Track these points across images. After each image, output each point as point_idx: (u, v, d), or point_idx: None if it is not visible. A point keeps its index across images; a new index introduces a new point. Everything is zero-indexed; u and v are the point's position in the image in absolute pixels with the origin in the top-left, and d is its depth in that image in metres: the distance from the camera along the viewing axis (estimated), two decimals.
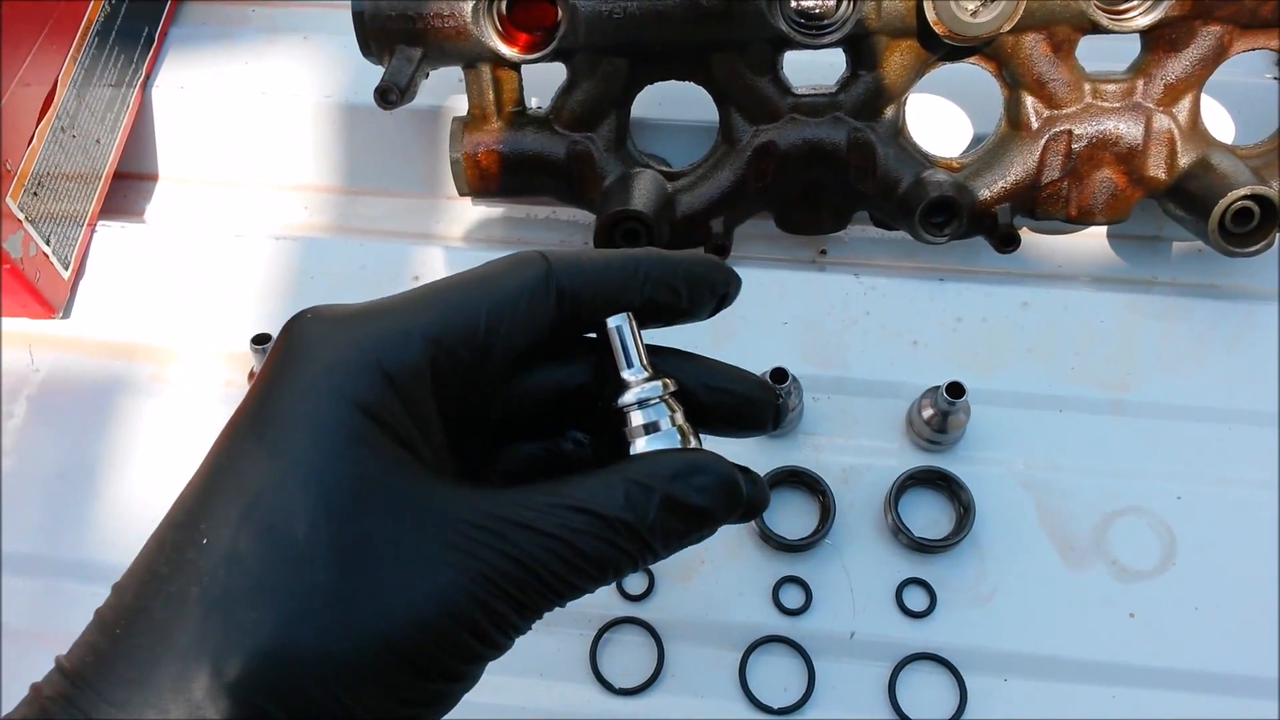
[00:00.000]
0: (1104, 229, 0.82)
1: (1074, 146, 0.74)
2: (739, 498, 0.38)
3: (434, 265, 0.78)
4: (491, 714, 0.64)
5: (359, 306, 0.37)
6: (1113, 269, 0.81)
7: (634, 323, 0.39)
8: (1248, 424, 0.71)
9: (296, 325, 0.36)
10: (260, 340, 0.69)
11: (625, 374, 0.39)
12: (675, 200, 0.77)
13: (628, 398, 0.38)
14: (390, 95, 0.74)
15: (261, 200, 0.88)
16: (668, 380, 0.39)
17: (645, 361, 0.39)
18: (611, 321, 0.38)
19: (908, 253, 0.82)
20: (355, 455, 0.34)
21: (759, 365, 0.70)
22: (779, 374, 0.68)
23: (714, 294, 0.42)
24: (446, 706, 0.37)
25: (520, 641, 0.56)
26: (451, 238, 0.86)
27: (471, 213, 0.87)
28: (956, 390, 0.66)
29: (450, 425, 0.37)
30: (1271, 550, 0.67)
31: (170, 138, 0.89)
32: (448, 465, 0.37)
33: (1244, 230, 0.71)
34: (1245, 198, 0.69)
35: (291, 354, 0.35)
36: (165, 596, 0.33)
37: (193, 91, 0.88)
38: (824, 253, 0.84)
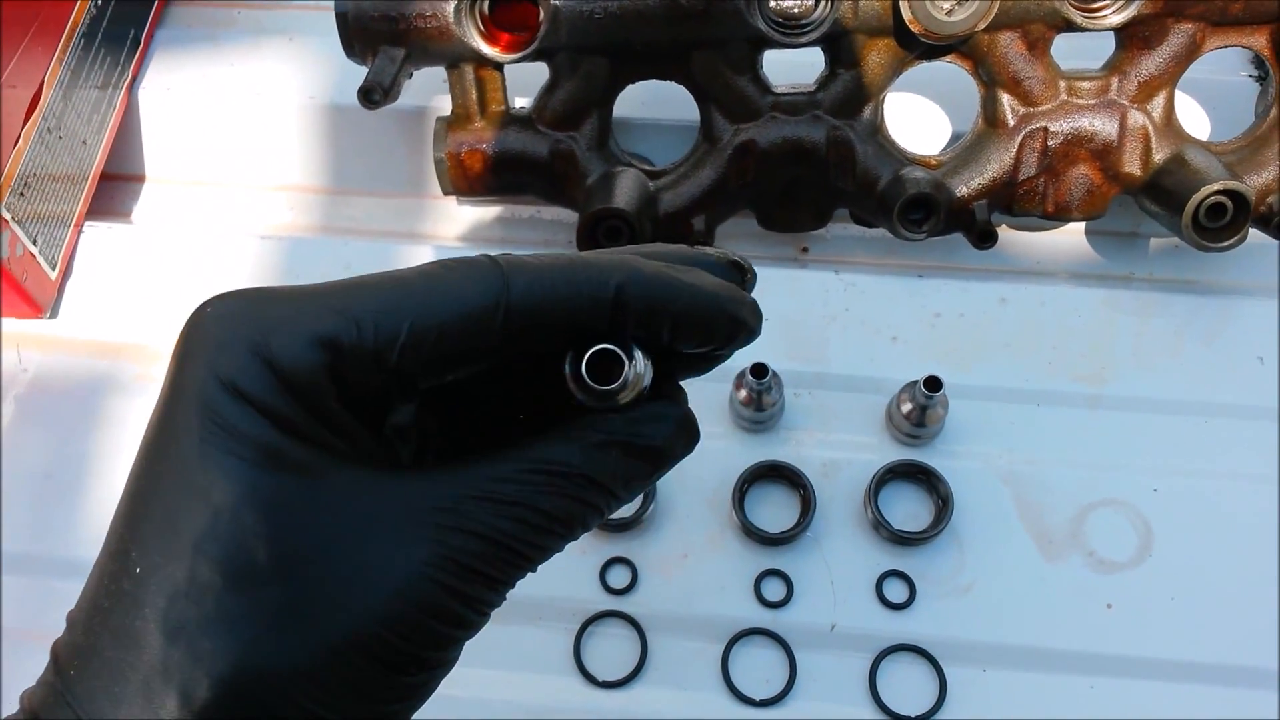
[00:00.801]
0: (1082, 226, 0.83)
1: (1050, 144, 0.75)
2: (696, 432, 0.37)
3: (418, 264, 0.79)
4: (475, 709, 0.65)
5: (261, 294, 0.34)
6: (1090, 265, 0.82)
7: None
8: (1224, 417, 0.72)
9: (194, 323, 0.34)
10: None
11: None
12: (657, 198, 0.78)
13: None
14: (374, 95, 0.74)
15: (247, 201, 0.89)
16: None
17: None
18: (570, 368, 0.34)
19: (888, 250, 0.83)
20: (277, 463, 0.31)
21: (740, 361, 0.71)
22: (759, 369, 0.68)
23: (717, 337, 0.36)
24: (426, 694, 0.36)
25: (504, 635, 0.56)
26: (437, 237, 0.86)
27: (457, 212, 0.87)
28: (934, 384, 0.67)
29: (377, 412, 0.34)
30: (1247, 541, 0.68)
31: (157, 139, 0.89)
32: (384, 453, 0.35)
33: (1217, 225, 0.72)
34: (1218, 193, 0.70)
35: (188, 357, 0.33)
36: (112, 632, 0.31)
37: (179, 93, 0.89)
38: (806, 250, 0.84)
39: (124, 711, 0.30)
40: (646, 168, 0.81)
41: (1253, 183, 0.74)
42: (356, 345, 0.32)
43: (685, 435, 0.37)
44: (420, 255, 0.80)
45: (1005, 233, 0.82)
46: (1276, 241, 0.76)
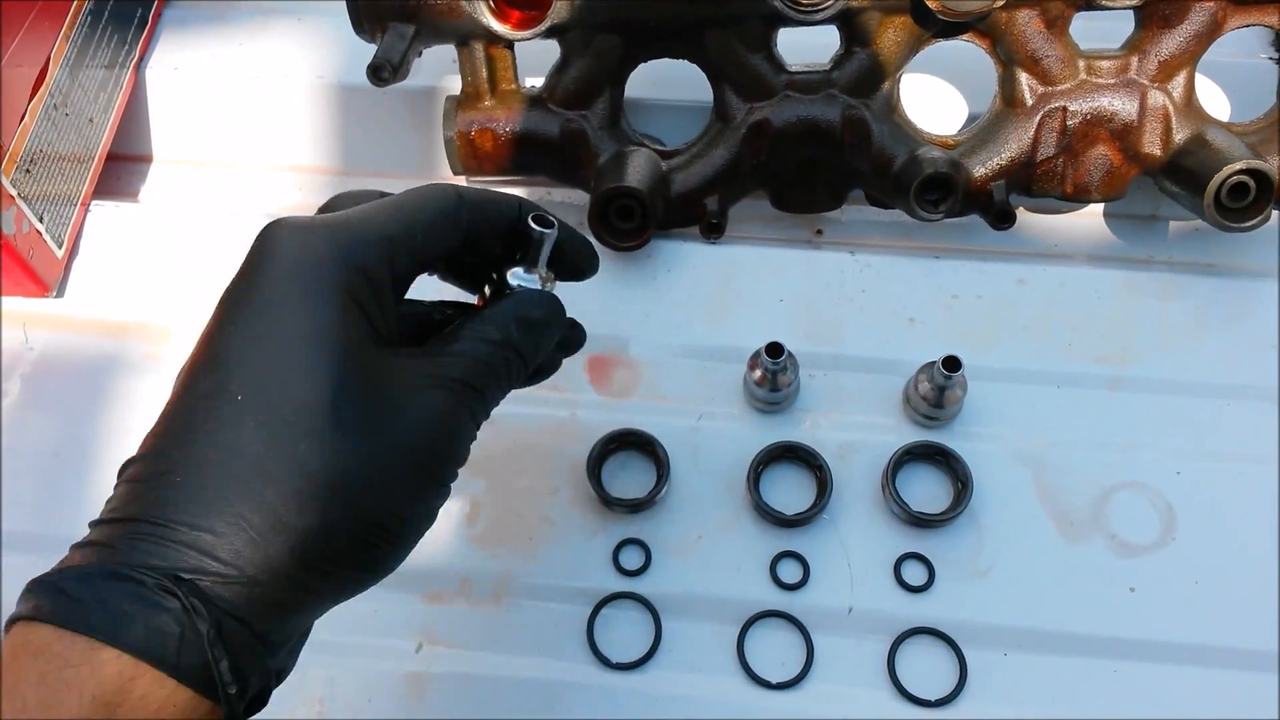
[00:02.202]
0: (1100, 208, 0.82)
1: (1069, 123, 0.74)
2: (562, 311, 0.52)
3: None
4: (489, 690, 0.64)
5: (325, 217, 0.45)
6: (1109, 248, 0.81)
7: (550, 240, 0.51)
8: (1246, 399, 0.71)
9: (276, 232, 0.44)
10: None
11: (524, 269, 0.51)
12: (670, 179, 0.77)
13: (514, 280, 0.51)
14: (383, 72, 0.73)
15: (256, 182, 0.88)
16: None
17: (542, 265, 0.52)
18: (539, 228, 0.51)
19: (904, 232, 0.82)
20: (350, 323, 0.43)
21: (755, 342, 0.70)
22: (774, 348, 0.67)
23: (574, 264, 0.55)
24: (433, 517, 0.47)
25: (518, 617, 0.64)
26: None
27: None
28: (953, 364, 0.66)
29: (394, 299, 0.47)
30: (1270, 524, 0.67)
31: (164, 119, 0.88)
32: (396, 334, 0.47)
33: (1240, 205, 0.71)
34: (1240, 172, 0.69)
35: (277, 252, 0.43)
36: (211, 445, 0.40)
37: (186, 73, 0.88)
38: (820, 232, 0.83)
39: (224, 505, 0.39)
40: (659, 148, 0.80)
41: (1275, 163, 0.73)
42: (402, 247, 0.46)
43: (554, 309, 0.52)
44: None
45: (1022, 215, 0.81)
46: None
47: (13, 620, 0.39)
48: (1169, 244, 0.81)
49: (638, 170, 0.75)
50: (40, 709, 0.36)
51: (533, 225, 0.50)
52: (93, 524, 0.41)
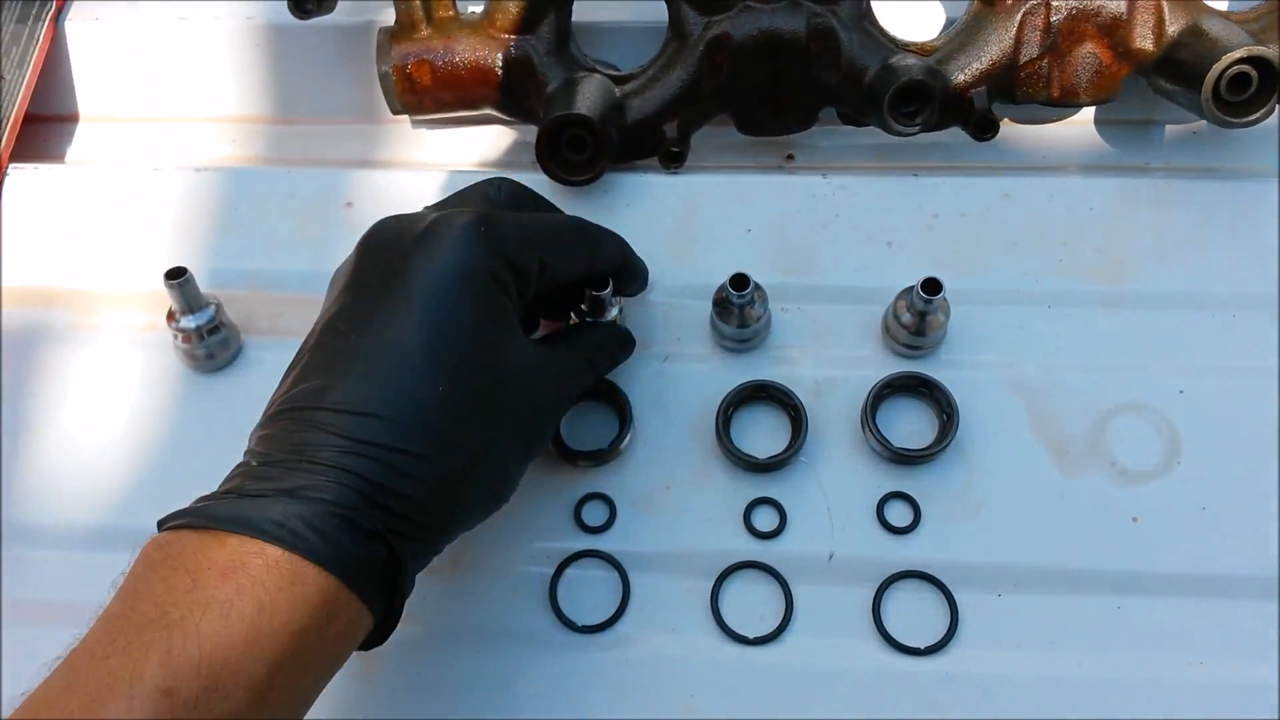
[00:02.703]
0: (1091, 115, 0.76)
1: (1052, 20, 0.68)
2: (630, 341, 0.66)
3: (365, 190, 0.73)
4: (447, 659, 0.60)
5: (491, 214, 0.55)
6: (1102, 156, 0.75)
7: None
8: (1253, 309, 0.66)
9: (448, 225, 0.53)
10: (174, 275, 0.64)
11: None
12: (625, 105, 0.71)
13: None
14: (306, 4, 0.68)
15: (188, 135, 0.82)
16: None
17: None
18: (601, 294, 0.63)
19: (882, 153, 0.76)
20: (499, 299, 0.54)
21: (721, 275, 0.65)
22: (739, 280, 0.62)
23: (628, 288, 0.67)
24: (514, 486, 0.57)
25: (476, 583, 0.63)
26: (392, 162, 0.80)
27: (412, 135, 0.81)
28: (932, 287, 0.61)
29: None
30: None
31: (88, 74, 0.83)
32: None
33: (1241, 99, 0.65)
34: (1241, 60, 0.63)
35: (447, 243, 0.53)
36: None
37: (109, 24, 0.82)
38: (791, 158, 0.78)
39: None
40: (613, 73, 0.74)
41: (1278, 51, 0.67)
42: (546, 265, 0.57)
43: (624, 341, 0.66)
44: (367, 180, 0.73)
45: (1008, 125, 0.75)
46: None
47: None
48: (1165, 150, 0.75)
49: (588, 97, 0.69)
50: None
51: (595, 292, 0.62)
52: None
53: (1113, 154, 0.75)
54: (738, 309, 0.64)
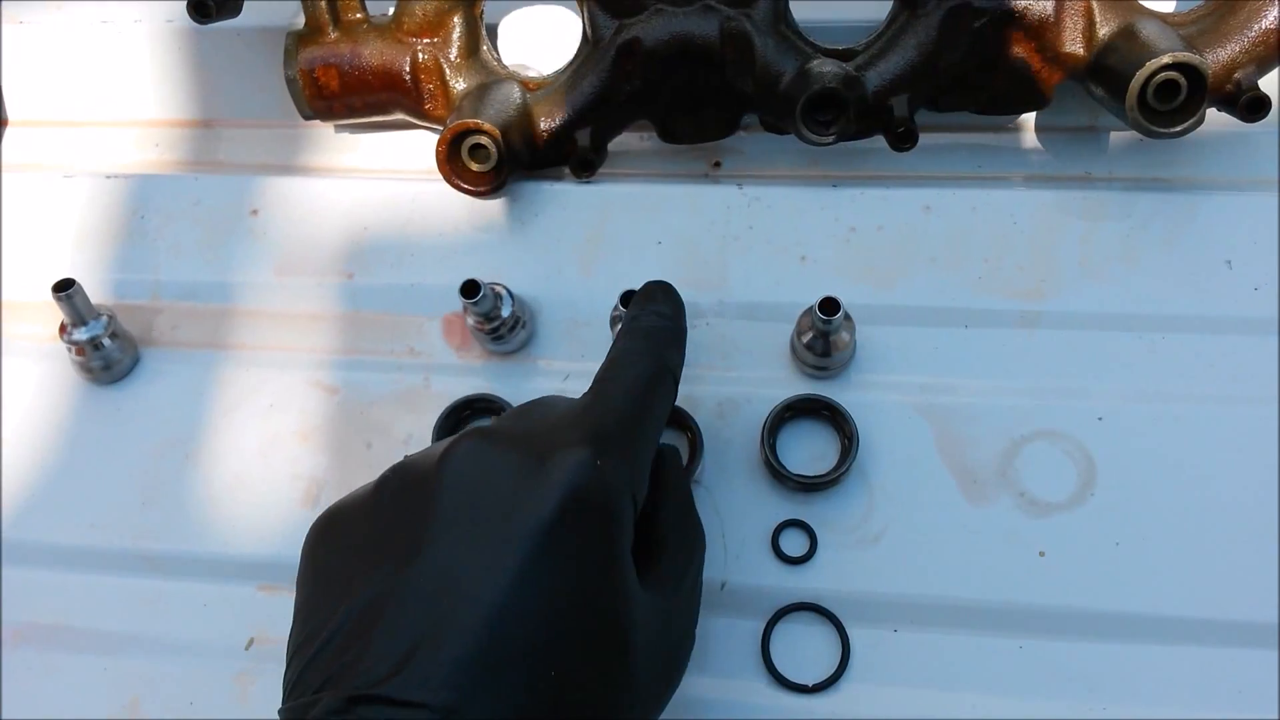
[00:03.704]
0: (1032, 122, 0.73)
1: (975, 24, 0.64)
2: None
3: (272, 197, 0.71)
4: None
5: (614, 450, 0.45)
6: (1040, 165, 0.71)
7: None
8: (1182, 331, 0.62)
9: (589, 481, 0.43)
10: (61, 287, 0.63)
11: None
12: (532, 113, 0.69)
13: None
14: (205, 8, 0.66)
15: (113, 139, 0.81)
16: None
17: None
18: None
19: (811, 161, 0.73)
20: (618, 546, 0.44)
21: (628, 288, 0.62)
22: (629, 296, 0.60)
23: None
24: None
25: None
26: (315, 167, 0.78)
27: (338, 139, 0.79)
28: (830, 307, 0.58)
29: None
30: (1206, 475, 0.59)
31: (14, 78, 0.82)
32: None
33: (1171, 107, 0.61)
34: (1167, 67, 0.59)
35: (579, 499, 0.43)
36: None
37: (35, 26, 0.81)
38: (718, 165, 0.75)
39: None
40: (530, 77, 0.72)
41: (1216, 57, 0.63)
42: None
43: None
44: (275, 187, 0.72)
45: (945, 135, 0.72)
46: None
47: None
48: (1110, 158, 0.71)
49: (494, 105, 0.67)
50: None
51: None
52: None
53: (1053, 163, 0.72)
54: None
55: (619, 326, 0.62)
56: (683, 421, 0.61)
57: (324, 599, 0.42)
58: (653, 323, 0.53)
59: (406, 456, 0.47)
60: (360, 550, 0.43)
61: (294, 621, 0.44)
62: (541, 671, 0.39)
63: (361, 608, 0.40)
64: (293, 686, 0.41)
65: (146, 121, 0.81)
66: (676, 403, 0.61)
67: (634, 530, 0.45)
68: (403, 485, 0.44)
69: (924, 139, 0.72)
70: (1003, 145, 0.73)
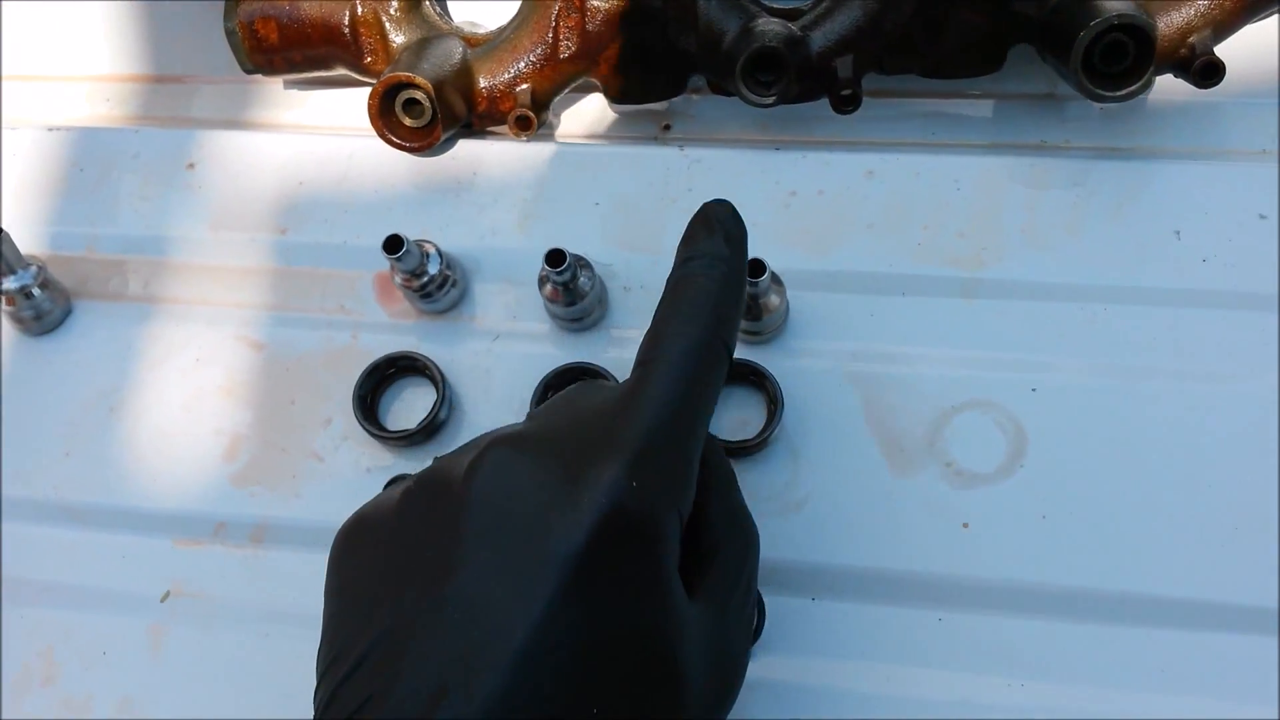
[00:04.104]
0: (991, 89, 0.71)
1: None
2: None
3: (210, 151, 0.70)
4: (234, 643, 0.58)
5: (662, 467, 0.41)
6: (994, 132, 0.69)
7: None
8: (1125, 302, 0.61)
9: (624, 503, 0.39)
10: None
11: None
12: (472, 70, 0.68)
13: None
14: None
15: (65, 93, 0.81)
16: None
17: None
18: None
19: (762, 125, 0.72)
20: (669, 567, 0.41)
21: (565, 249, 0.61)
22: (555, 256, 0.59)
23: None
24: None
25: (275, 565, 0.61)
26: (258, 123, 0.77)
27: (289, 96, 0.78)
28: (756, 269, 0.57)
29: None
30: (1140, 448, 0.57)
31: None
32: None
33: (1119, 70, 0.59)
34: (1113, 29, 0.57)
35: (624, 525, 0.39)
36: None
37: None
38: (668, 128, 0.73)
39: None
40: (476, 33, 0.70)
41: (1171, 20, 0.61)
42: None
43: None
44: (214, 140, 0.71)
45: (901, 100, 0.70)
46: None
47: None
48: (1067, 127, 0.69)
49: (431, 60, 0.66)
50: None
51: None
52: None
53: (1009, 131, 0.70)
54: (560, 287, 0.60)
55: (546, 287, 0.61)
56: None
57: (351, 617, 0.41)
58: (702, 270, 0.45)
59: (435, 462, 0.44)
60: (385, 569, 0.41)
61: (324, 632, 0.42)
62: (580, 708, 0.37)
63: (390, 633, 0.39)
64: (327, 705, 0.39)
65: (99, 76, 0.81)
66: (603, 365, 0.61)
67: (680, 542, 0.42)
68: (429, 501, 0.42)
69: (879, 105, 0.71)
70: (960, 113, 0.71)
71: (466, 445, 0.44)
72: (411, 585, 0.39)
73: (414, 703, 0.36)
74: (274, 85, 0.78)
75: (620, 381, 0.57)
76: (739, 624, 0.44)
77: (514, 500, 0.39)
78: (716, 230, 0.46)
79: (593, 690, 0.38)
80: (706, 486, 0.45)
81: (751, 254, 0.58)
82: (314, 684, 0.41)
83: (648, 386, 0.42)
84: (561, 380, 0.61)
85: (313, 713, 0.40)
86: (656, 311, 0.45)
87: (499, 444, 0.42)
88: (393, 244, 0.59)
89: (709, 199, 0.64)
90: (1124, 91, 0.58)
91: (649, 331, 0.45)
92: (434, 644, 0.37)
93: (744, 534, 0.46)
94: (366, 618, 0.40)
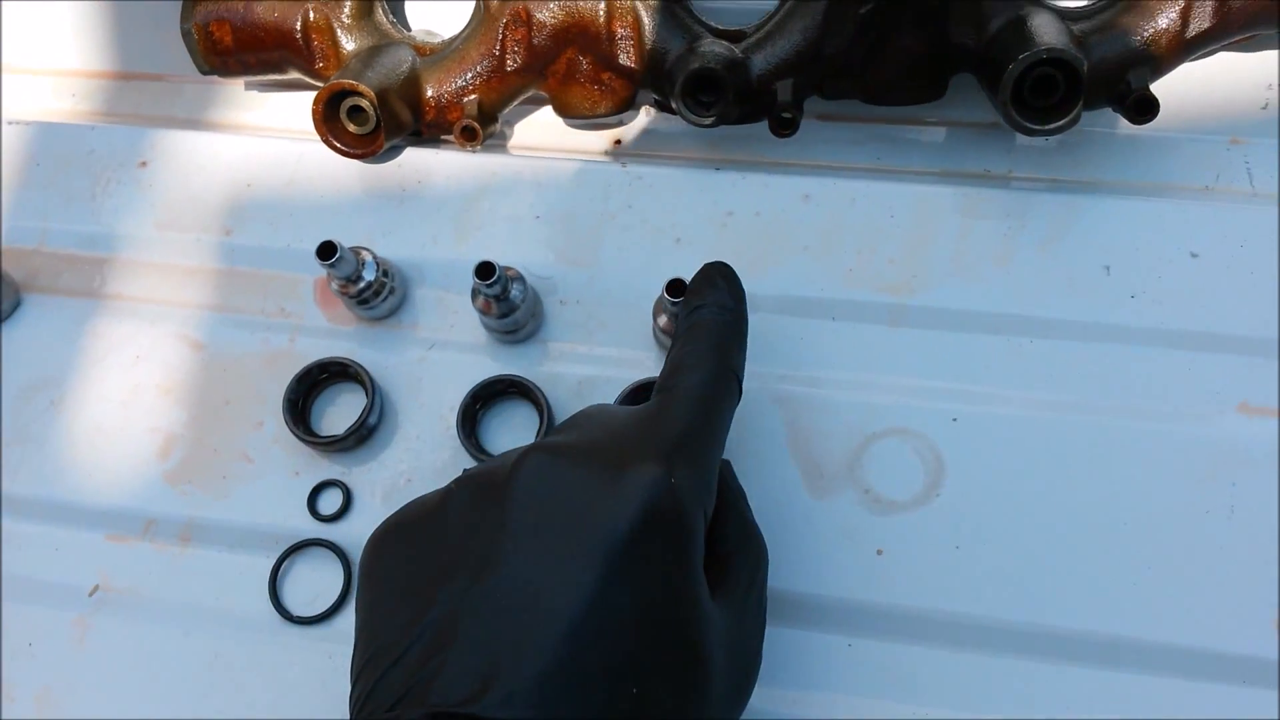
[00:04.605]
0: (941, 116, 0.71)
1: (861, 10, 0.63)
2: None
3: (162, 150, 0.71)
4: (160, 640, 0.59)
5: (691, 463, 0.44)
6: (940, 161, 0.70)
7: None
8: (1052, 337, 0.61)
9: (663, 497, 0.42)
10: None
11: None
12: (419, 79, 0.68)
13: None
14: None
15: (30, 87, 0.82)
16: None
17: None
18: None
19: (710, 144, 0.72)
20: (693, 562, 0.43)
21: (505, 261, 0.62)
22: (484, 269, 0.59)
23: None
24: None
25: (202, 563, 0.62)
26: (216, 123, 0.78)
27: (245, 95, 0.79)
28: (675, 288, 0.57)
29: None
30: (1058, 483, 0.58)
31: None
32: None
33: (1049, 104, 0.59)
34: (1042, 63, 0.57)
35: (659, 514, 0.42)
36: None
37: None
38: (619, 143, 0.74)
39: None
40: (427, 43, 0.71)
41: (1108, 53, 0.61)
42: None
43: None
44: (166, 140, 0.71)
45: (847, 125, 0.71)
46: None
47: None
48: (1011, 157, 0.70)
49: (379, 68, 0.67)
50: None
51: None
52: None
53: (953, 158, 0.70)
54: (490, 300, 0.61)
55: (478, 299, 0.62)
56: (532, 397, 0.61)
57: (393, 613, 0.42)
58: (713, 316, 0.51)
59: (472, 469, 0.47)
60: (430, 563, 0.42)
61: (358, 638, 0.44)
62: (621, 688, 0.39)
63: (436, 622, 0.40)
64: (363, 702, 0.40)
65: (67, 70, 0.82)
66: (534, 378, 0.61)
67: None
68: (472, 497, 0.44)
69: (831, 127, 0.71)
70: (906, 138, 0.71)
71: (501, 454, 0.47)
72: (459, 576, 0.41)
73: (465, 682, 0.38)
74: (236, 86, 0.79)
75: (542, 396, 0.59)
76: (754, 625, 0.47)
77: (558, 495, 0.42)
78: (719, 284, 0.52)
79: (633, 671, 0.39)
80: (723, 501, 0.48)
81: (685, 274, 0.59)
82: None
83: (675, 405, 0.47)
84: (487, 391, 0.62)
85: (348, 713, 0.42)
86: (672, 349, 0.51)
87: (539, 449, 0.45)
88: (326, 250, 0.60)
89: (647, 216, 0.66)
90: (1051, 126, 0.59)
91: (667, 365, 0.50)
92: (484, 628, 0.39)
93: (756, 545, 0.49)
94: (411, 611, 0.41)
